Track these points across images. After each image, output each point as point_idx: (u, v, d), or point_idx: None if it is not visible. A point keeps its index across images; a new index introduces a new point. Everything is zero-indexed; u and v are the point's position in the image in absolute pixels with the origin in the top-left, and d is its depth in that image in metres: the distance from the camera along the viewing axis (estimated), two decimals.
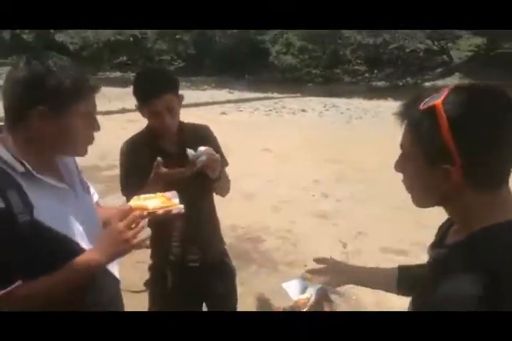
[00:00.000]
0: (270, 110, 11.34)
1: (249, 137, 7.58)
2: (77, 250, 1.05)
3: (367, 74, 20.30)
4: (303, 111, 11.40)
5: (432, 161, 0.71)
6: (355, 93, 15.32)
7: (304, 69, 21.04)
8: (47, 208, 1.00)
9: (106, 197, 5.03)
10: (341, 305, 2.84)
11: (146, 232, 1.08)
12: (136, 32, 21.67)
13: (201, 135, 1.71)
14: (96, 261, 1.03)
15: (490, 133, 0.67)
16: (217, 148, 1.70)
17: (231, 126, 7.82)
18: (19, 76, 0.97)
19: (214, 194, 1.79)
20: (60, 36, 22.33)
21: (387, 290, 1.11)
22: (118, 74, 20.91)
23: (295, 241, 3.82)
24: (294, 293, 0.95)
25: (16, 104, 0.99)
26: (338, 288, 1.02)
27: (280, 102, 13.02)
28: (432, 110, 0.69)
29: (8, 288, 0.94)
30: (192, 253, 1.70)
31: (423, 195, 0.78)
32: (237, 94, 15.10)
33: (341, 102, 12.89)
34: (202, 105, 11.52)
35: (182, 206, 1.18)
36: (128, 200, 1.44)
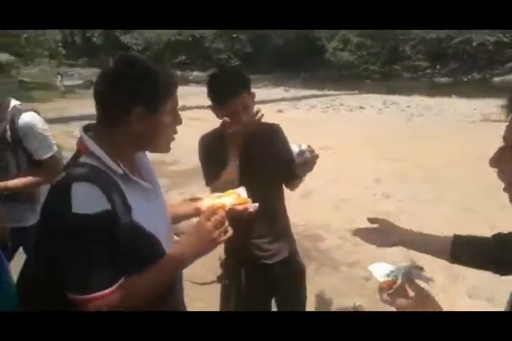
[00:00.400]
0: (327, 107, 11.20)
1: (307, 134, 7.53)
2: (162, 248, 1.07)
3: (429, 70, 19.43)
4: (361, 108, 11.16)
5: None
6: (415, 90, 14.73)
7: (361, 66, 20.55)
8: (140, 208, 1.02)
9: (170, 191, 5.25)
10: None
11: (230, 232, 1.11)
12: (195, 32, 22.22)
13: (272, 131, 1.74)
14: (185, 258, 1.05)
15: None
16: (287, 147, 1.73)
17: (288, 124, 7.78)
18: (115, 78, 1.00)
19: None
20: (125, 38, 23.43)
21: (438, 256, 1.11)
22: (178, 72, 21.58)
23: (356, 242, 3.75)
24: (381, 275, 0.94)
25: (114, 107, 1.01)
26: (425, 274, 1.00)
27: (337, 99, 12.83)
28: None
29: (114, 286, 0.96)
30: (264, 250, 1.73)
31: None
32: (292, 92, 15.05)
33: (401, 99, 12.46)
34: (258, 103, 11.60)
35: (257, 204, 1.23)
36: (212, 191, 1.51)
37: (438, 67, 19.10)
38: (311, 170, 1.63)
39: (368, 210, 4.42)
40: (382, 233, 1.14)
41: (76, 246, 0.94)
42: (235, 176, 1.58)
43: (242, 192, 1.26)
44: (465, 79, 17.16)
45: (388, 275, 0.90)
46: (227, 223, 1.09)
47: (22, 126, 1.89)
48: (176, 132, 1.12)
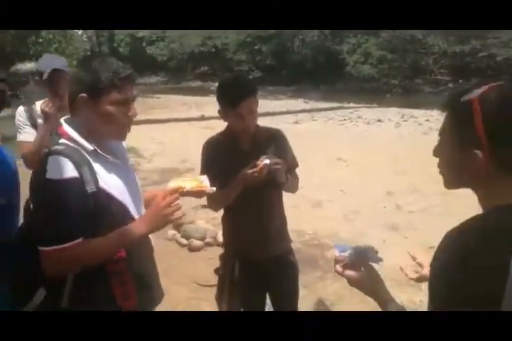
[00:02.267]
0: (345, 119, 11.26)
1: (323, 146, 7.61)
2: (128, 216, 1.29)
3: (450, 85, 19.28)
4: (379, 121, 11.16)
5: (464, 146, 0.80)
6: (436, 104, 14.66)
7: (382, 80, 20.53)
8: (108, 179, 1.25)
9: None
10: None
11: (181, 212, 1.28)
12: (218, 43, 22.62)
13: (274, 137, 1.87)
14: (141, 230, 1.24)
15: None
16: (288, 150, 1.88)
17: (304, 135, 7.92)
18: (72, 71, 1.33)
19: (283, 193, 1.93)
20: (151, 48, 24.03)
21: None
22: (199, 83, 21.99)
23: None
24: (339, 251, 1.05)
25: (70, 94, 1.26)
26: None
27: (356, 112, 12.86)
28: (470, 103, 0.78)
29: (70, 243, 1.16)
30: (259, 246, 1.84)
31: (453, 177, 0.88)
32: (311, 104, 15.16)
33: (420, 113, 12.41)
34: (276, 114, 11.76)
35: (214, 188, 1.39)
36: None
37: (461, 81, 18.94)
38: (279, 175, 1.72)
39: (378, 222, 4.46)
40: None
41: (47, 205, 1.16)
42: (229, 202, 1.76)
43: (204, 179, 1.43)
44: None
45: (344, 252, 1.03)
46: (179, 204, 1.27)
47: None
48: (129, 123, 1.29)
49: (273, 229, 1.87)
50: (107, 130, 1.27)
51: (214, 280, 3.16)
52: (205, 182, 1.41)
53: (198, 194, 1.39)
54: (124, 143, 1.44)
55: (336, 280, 3.24)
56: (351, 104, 14.69)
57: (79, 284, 1.24)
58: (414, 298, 3.06)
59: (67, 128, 1.26)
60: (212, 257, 3.60)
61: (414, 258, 3.32)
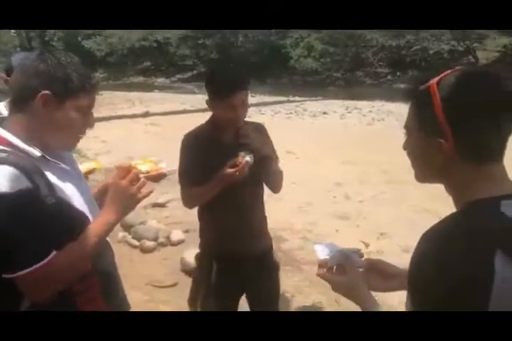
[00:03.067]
0: (291, 113, 11.38)
1: (272, 139, 7.64)
2: (88, 222, 1.13)
3: (389, 77, 20.10)
4: (324, 113, 11.40)
5: (428, 135, 0.77)
6: (377, 95, 15.20)
7: (325, 73, 20.99)
8: (64, 188, 1.09)
9: None
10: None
11: (149, 188, 1.15)
12: (160, 37, 22.05)
13: (256, 130, 1.83)
14: (111, 218, 1.11)
15: (478, 112, 0.72)
16: (271, 144, 1.86)
17: None
18: (30, 64, 1.07)
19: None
20: (88, 43, 22.93)
21: None
22: (141, 79, 21.31)
23: (318, 241, 3.85)
24: (321, 255, 0.99)
25: (24, 90, 1.06)
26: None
27: (301, 105, 13.04)
28: (428, 89, 0.76)
29: (46, 260, 1.01)
30: (240, 244, 1.76)
31: (422, 170, 0.84)
32: (258, 98, 15.21)
33: (363, 105, 12.82)
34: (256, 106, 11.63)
35: (175, 168, 1.30)
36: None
37: (398, 73, 19.79)
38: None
39: (329, 212, 4.55)
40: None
41: (5, 223, 0.97)
42: (207, 199, 1.67)
43: (159, 161, 1.30)
44: None
45: (327, 254, 0.97)
46: (143, 179, 1.14)
47: None
48: (83, 134, 1.16)
49: (254, 226, 1.81)
50: (60, 137, 1.10)
51: (169, 280, 3.08)
52: (161, 164, 1.27)
53: (157, 177, 1.25)
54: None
55: (294, 273, 3.26)
56: (296, 98, 14.88)
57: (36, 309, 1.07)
58: None
59: (3, 133, 1.07)
60: (167, 257, 3.49)
61: (367, 245, 3.38)
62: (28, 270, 0.99)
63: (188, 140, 1.74)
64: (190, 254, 2.90)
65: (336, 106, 12.74)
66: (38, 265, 1.00)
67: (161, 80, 20.17)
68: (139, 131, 8.27)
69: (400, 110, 12.25)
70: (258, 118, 10.97)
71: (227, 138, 1.73)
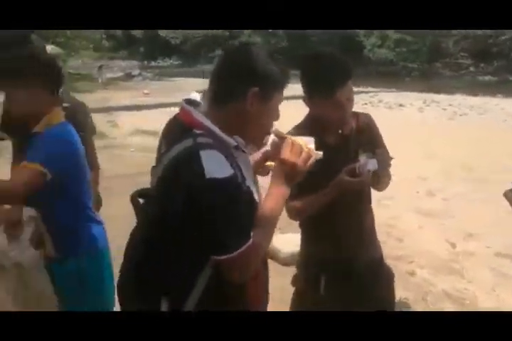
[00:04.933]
0: (366, 104, 11.05)
1: None
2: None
3: (472, 68, 18.79)
4: (401, 105, 10.95)
5: None
6: (457, 88, 14.30)
7: (400, 63, 20.10)
8: (248, 177, 1.11)
9: None
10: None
11: (313, 157, 1.13)
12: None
13: (365, 125, 1.58)
14: (285, 193, 1.12)
15: None
16: (381, 141, 1.61)
17: None
18: (238, 60, 1.08)
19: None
20: (163, 32, 23.77)
21: None
22: (210, 67, 21.76)
23: (399, 237, 3.72)
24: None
25: (231, 85, 1.06)
26: None
27: (376, 96, 12.62)
28: None
29: (248, 243, 1.03)
30: (352, 253, 1.57)
31: None
32: None
33: (442, 98, 12.14)
34: (294, 98, 11.56)
35: (321, 153, 1.17)
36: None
37: (482, 65, 18.43)
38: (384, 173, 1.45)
39: (412, 207, 4.36)
40: None
41: (213, 208, 1.00)
42: (317, 209, 1.47)
43: (309, 142, 1.18)
44: (511, 78, 16.48)
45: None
46: (306, 149, 1.12)
47: None
48: (271, 127, 1.15)
49: (365, 233, 1.61)
50: (257, 132, 1.13)
51: None
52: (310, 145, 1.16)
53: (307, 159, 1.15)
54: None
55: None
56: (370, 88, 14.42)
57: (211, 288, 1.10)
58: (458, 286, 2.99)
59: (201, 118, 1.08)
60: None
61: (453, 246, 3.06)
62: (234, 254, 1.01)
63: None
64: None
65: (412, 98, 12.17)
66: (245, 246, 1.02)
67: (302, 67, 20.55)
68: None
69: (484, 105, 11.42)
70: None
71: (331, 139, 1.49)
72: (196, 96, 1.99)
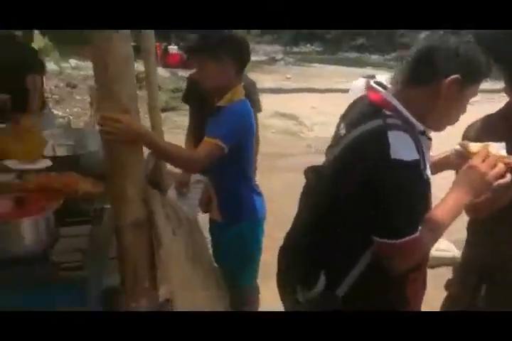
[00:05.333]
0: None
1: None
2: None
3: None
4: None
5: None
6: None
7: None
8: (427, 166, 1.09)
9: None
10: None
11: (506, 178, 1.05)
12: None
13: None
14: (464, 199, 1.07)
15: None
16: None
17: None
18: (445, 45, 1.05)
19: None
20: None
21: None
22: (355, 55, 21.09)
23: None
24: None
25: (431, 68, 1.06)
26: None
27: None
28: None
29: (417, 232, 1.02)
30: None
31: None
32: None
33: None
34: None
35: None
36: None
37: None
38: None
39: None
40: None
41: (392, 190, 1.00)
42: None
43: (500, 148, 1.11)
44: None
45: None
46: (501, 166, 1.04)
47: None
48: (456, 120, 1.13)
49: None
50: (446, 119, 1.11)
51: None
52: (501, 151, 1.09)
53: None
54: None
55: None
56: None
57: (368, 272, 1.10)
58: None
59: (392, 99, 1.09)
60: None
61: None
62: (406, 239, 1.00)
63: (474, 128, 1.42)
64: None
65: None
66: (413, 236, 1.01)
67: (375, 57, 19.67)
68: None
69: None
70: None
71: None
72: (370, 81, 2.05)
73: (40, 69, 3.10)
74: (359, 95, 1.96)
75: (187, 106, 2.61)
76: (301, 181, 1.30)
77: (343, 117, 1.27)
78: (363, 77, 2.15)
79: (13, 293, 1.21)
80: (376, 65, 15.96)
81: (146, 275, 1.43)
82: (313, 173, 1.23)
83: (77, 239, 1.38)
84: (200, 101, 2.12)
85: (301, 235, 1.20)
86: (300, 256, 1.18)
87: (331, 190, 1.14)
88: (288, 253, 1.22)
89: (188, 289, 1.47)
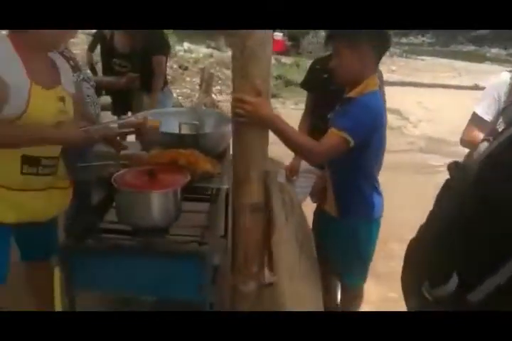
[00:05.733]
0: None
1: None
2: None
3: None
4: None
5: None
6: None
7: None
8: None
9: None
10: None
11: None
12: None
13: None
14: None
15: None
16: None
17: None
18: None
19: None
20: None
21: None
22: (472, 47, 19.40)
23: None
24: None
25: None
26: None
27: None
28: None
29: None
30: None
31: None
32: None
33: None
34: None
35: None
36: None
37: None
38: None
39: None
40: None
41: None
42: None
43: None
44: None
45: None
46: None
47: None
48: None
49: None
50: None
51: None
52: None
53: None
54: None
55: None
56: None
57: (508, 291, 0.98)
58: None
59: None
60: None
61: None
62: None
63: None
64: None
65: None
66: None
67: (494, 51, 17.88)
68: (465, 105, 7.71)
69: None
70: None
71: None
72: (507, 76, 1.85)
73: (166, 50, 3.25)
74: (503, 91, 1.78)
75: (288, 94, 2.58)
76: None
77: (503, 110, 1.18)
78: (508, 71, 1.93)
79: (133, 263, 1.29)
80: (495, 60, 14.48)
81: (255, 259, 1.45)
82: (457, 170, 1.13)
83: (197, 215, 1.44)
84: (323, 89, 2.07)
85: (436, 230, 1.11)
86: (433, 251, 1.10)
87: (478, 191, 1.03)
88: (420, 245, 1.16)
89: (293, 277, 1.47)
